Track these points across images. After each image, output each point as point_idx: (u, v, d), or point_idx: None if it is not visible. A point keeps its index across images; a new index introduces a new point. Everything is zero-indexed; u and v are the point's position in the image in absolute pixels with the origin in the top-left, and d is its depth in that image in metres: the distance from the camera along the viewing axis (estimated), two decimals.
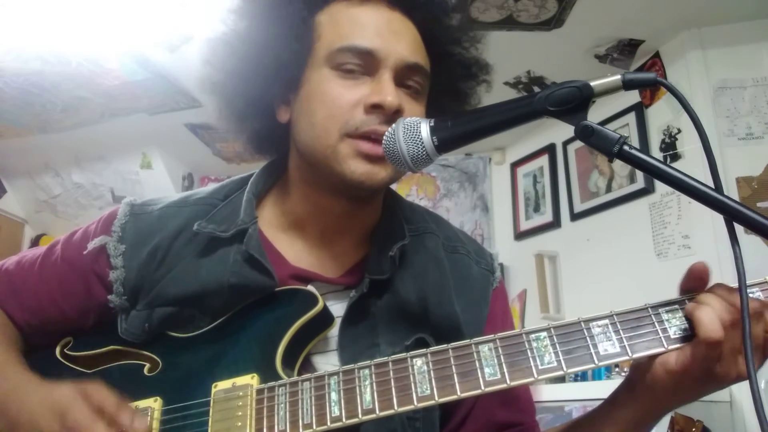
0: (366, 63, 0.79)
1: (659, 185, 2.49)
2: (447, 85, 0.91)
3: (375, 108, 0.77)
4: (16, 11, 2.33)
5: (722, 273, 2.24)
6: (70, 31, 2.46)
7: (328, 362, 0.82)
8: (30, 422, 0.73)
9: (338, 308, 0.83)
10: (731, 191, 2.21)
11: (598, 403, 0.76)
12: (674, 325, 0.65)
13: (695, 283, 0.67)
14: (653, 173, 0.64)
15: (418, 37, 0.85)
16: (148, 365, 0.83)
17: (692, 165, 2.29)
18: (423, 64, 0.84)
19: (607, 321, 0.66)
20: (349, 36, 0.80)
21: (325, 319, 0.80)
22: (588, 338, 0.65)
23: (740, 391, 2.04)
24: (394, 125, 0.76)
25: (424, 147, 0.73)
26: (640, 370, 0.67)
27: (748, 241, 1.94)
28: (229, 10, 0.86)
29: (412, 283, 0.86)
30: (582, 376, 2.23)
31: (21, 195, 3.94)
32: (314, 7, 0.84)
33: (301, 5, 0.83)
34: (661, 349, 0.64)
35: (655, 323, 0.65)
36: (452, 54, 0.89)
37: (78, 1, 2.28)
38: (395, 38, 0.81)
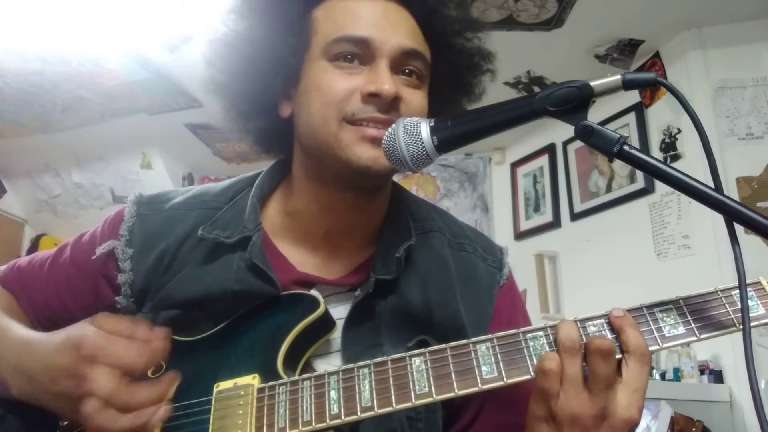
0: (362, 52, 0.79)
1: (659, 185, 2.49)
2: (449, 76, 0.90)
3: (372, 96, 0.77)
4: (16, 11, 2.34)
5: (722, 273, 2.25)
6: (70, 31, 2.46)
7: (329, 364, 0.82)
8: (45, 366, 0.71)
9: (341, 310, 0.83)
10: (731, 191, 2.21)
11: None
12: (669, 324, 0.66)
13: None
14: (653, 173, 0.64)
15: (416, 26, 0.84)
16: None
17: (692, 165, 2.29)
18: (421, 50, 0.82)
19: (602, 320, 0.67)
20: (345, 26, 0.80)
21: (326, 323, 0.80)
22: (584, 337, 0.65)
23: (740, 391, 2.05)
24: (394, 125, 0.76)
25: (424, 147, 0.73)
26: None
27: (748, 241, 1.94)
28: (228, 11, 0.87)
29: (416, 283, 0.85)
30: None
31: (21, 195, 3.95)
32: (311, 3, 0.84)
33: (297, 1, 0.83)
34: (656, 347, 0.65)
35: (650, 322, 0.66)
36: (452, 44, 0.89)
37: (78, 1, 2.28)
38: (391, 27, 0.80)
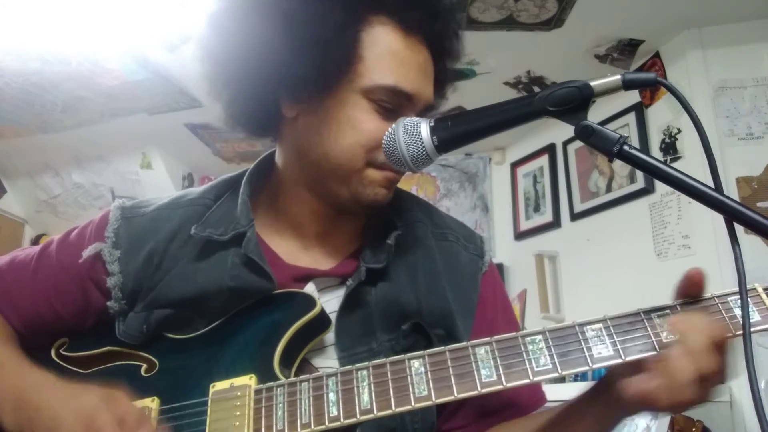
0: (402, 103, 0.82)
1: (659, 185, 2.49)
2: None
3: None
4: (16, 11, 2.33)
5: (722, 273, 2.25)
6: (70, 31, 2.46)
7: (327, 358, 0.82)
8: (50, 420, 0.72)
9: (335, 303, 0.84)
10: (731, 191, 2.21)
11: None
12: (666, 329, 0.66)
13: (691, 290, 0.68)
14: (653, 173, 0.64)
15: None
16: (144, 366, 0.83)
17: (692, 165, 2.29)
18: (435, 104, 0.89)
19: (600, 325, 0.67)
20: (396, 77, 0.80)
21: (322, 321, 0.80)
22: (582, 341, 0.66)
23: (740, 391, 2.04)
24: (394, 125, 0.76)
25: (424, 147, 0.74)
26: (604, 384, 0.70)
27: (748, 241, 1.94)
28: None
29: (404, 272, 0.87)
30: (582, 377, 2.23)
31: (21, 195, 3.94)
32: (359, 18, 0.80)
33: (347, 13, 0.79)
34: (653, 353, 0.65)
35: (648, 328, 0.66)
36: (446, 74, 0.93)
37: (78, 1, 2.28)
38: (427, 81, 0.84)
